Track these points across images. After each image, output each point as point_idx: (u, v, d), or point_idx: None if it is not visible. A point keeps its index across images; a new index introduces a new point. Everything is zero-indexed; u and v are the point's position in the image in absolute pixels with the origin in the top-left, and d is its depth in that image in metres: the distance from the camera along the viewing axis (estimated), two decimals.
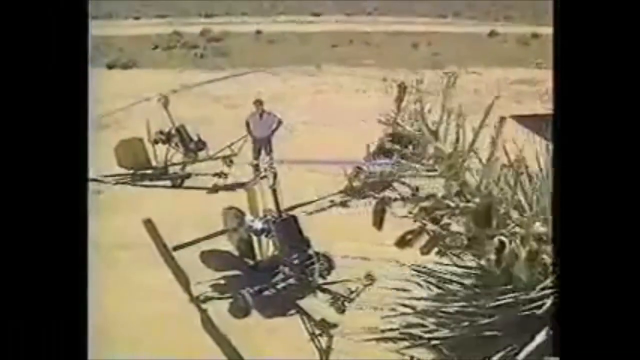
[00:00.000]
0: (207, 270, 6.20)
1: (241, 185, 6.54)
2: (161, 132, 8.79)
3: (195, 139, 8.92)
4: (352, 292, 5.04)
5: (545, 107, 12.98)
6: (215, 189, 8.40)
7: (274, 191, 5.59)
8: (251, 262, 6.18)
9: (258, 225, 5.72)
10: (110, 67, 18.27)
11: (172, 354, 4.88)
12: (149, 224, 7.26)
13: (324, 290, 5.35)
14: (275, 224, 5.60)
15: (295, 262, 5.43)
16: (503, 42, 28.37)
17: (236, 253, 6.38)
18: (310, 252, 5.42)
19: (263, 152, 8.90)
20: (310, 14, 43.47)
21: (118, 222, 7.27)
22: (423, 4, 49.29)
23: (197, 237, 6.76)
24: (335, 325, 5.15)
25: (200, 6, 44.76)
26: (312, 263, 5.36)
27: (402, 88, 8.81)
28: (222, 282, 5.96)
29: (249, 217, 5.88)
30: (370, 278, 4.89)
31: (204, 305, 5.53)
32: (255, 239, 5.91)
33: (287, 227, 5.60)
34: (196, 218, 7.14)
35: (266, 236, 5.76)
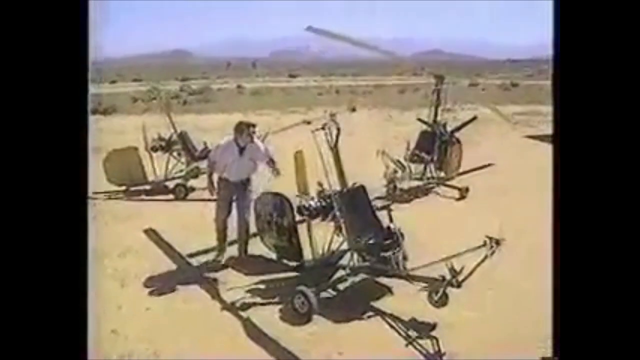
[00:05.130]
0: (238, 275, 4.71)
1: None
2: (160, 138, 7.43)
3: (200, 147, 7.57)
4: (457, 273, 3.55)
5: None
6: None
7: (336, 153, 4.19)
8: (294, 264, 4.73)
9: (313, 203, 4.28)
10: (91, 112, 16.97)
11: None
12: (151, 233, 5.76)
13: (412, 279, 3.89)
14: (339, 197, 4.13)
15: (371, 241, 3.99)
16: (484, 89, 28.83)
17: (272, 255, 4.93)
18: (392, 227, 3.96)
19: (235, 206, 4.99)
20: (288, 75, 43.89)
21: (116, 232, 5.75)
22: (397, 68, 50.62)
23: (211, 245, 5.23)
24: (434, 326, 3.70)
25: (175, 72, 44.62)
26: (396, 244, 3.89)
27: (439, 78, 7.52)
28: (261, 286, 4.46)
29: (296, 196, 4.49)
30: (495, 243, 3.31)
31: (244, 313, 3.99)
32: (303, 225, 4.47)
33: (355, 200, 4.17)
34: (206, 225, 5.60)
35: (323, 219, 4.31)
